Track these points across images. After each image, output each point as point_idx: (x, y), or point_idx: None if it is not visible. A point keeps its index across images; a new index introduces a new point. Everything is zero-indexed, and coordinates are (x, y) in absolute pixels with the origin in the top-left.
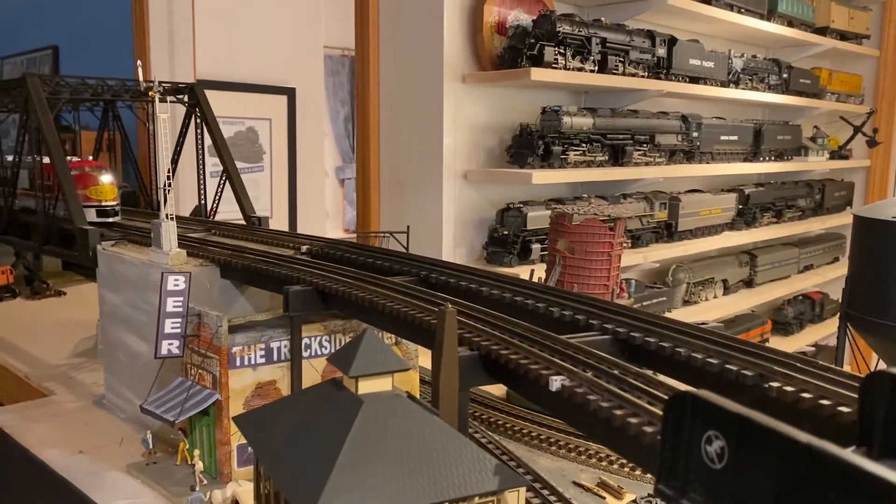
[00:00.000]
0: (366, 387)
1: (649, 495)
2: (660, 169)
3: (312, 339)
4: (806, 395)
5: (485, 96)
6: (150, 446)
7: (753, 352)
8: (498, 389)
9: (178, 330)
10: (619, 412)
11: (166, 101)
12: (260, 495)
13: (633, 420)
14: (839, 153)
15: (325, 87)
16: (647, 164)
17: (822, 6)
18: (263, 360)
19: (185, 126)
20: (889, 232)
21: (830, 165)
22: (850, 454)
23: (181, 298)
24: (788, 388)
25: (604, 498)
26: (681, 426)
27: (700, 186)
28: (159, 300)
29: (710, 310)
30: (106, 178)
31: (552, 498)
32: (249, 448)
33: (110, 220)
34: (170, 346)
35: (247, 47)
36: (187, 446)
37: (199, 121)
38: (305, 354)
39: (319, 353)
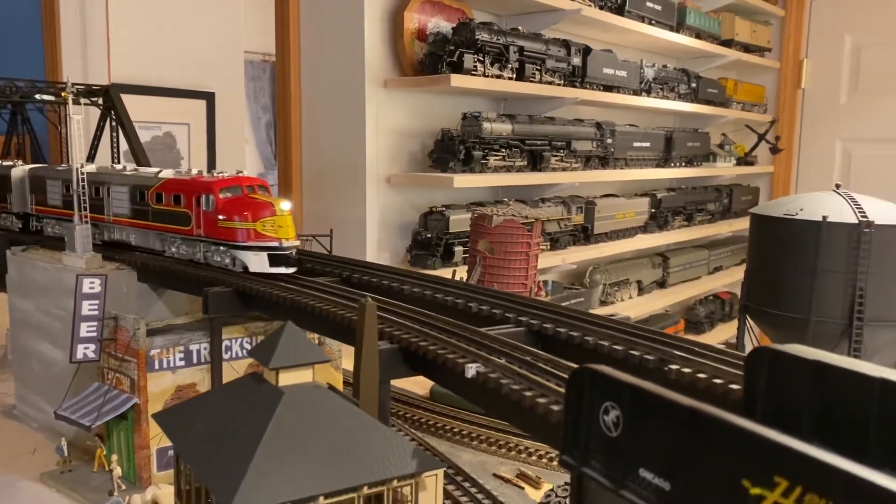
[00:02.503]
0: (286, 378)
1: (566, 484)
2: (576, 174)
3: (233, 340)
4: (701, 375)
5: (406, 102)
6: (65, 454)
7: (655, 338)
8: (422, 389)
9: (95, 333)
10: (528, 394)
11: (80, 104)
12: (181, 492)
13: (542, 400)
14: (745, 160)
15: (245, 92)
16: (563, 169)
17: (727, 20)
18: (183, 363)
19: (99, 129)
20: (781, 227)
21: (737, 171)
22: (727, 414)
23: (97, 301)
24: (686, 370)
25: (522, 488)
26: (581, 399)
27: (615, 191)
28: (74, 303)
29: (626, 310)
30: (285, 206)
31: (473, 490)
32: (170, 452)
33: (290, 270)
34: (86, 350)
35: (164, 50)
36: (104, 452)
37: (114, 124)
38: (226, 356)
39: (240, 354)
